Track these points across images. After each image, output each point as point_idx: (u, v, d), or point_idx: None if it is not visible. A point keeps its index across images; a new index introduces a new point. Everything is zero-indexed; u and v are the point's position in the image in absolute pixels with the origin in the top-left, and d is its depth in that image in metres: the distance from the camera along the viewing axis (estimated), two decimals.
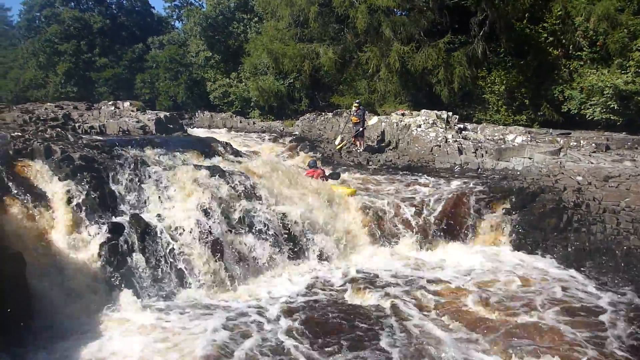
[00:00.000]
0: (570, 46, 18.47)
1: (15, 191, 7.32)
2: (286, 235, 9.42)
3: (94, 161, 8.67)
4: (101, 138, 12.53)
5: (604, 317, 7.15)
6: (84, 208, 7.73)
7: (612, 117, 16.19)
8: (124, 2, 55.58)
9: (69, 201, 7.65)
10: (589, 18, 16.57)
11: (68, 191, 7.75)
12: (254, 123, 29.81)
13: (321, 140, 20.59)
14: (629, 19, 15.94)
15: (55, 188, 7.77)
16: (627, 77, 15.36)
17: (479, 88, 20.32)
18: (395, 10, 21.34)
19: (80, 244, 7.35)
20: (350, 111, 18.25)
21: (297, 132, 24.17)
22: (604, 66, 16.99)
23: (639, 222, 9.24)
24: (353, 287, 8.24)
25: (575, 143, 14.65)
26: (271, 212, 9.54)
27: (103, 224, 7.71)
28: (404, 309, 7.36)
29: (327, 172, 13.21)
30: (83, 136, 12.02)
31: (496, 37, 19.92)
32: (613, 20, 16.04)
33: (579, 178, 10.64)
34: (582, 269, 9.04)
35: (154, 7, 64.54)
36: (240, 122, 30.78)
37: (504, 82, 19.25)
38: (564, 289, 8.17)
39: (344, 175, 13.70)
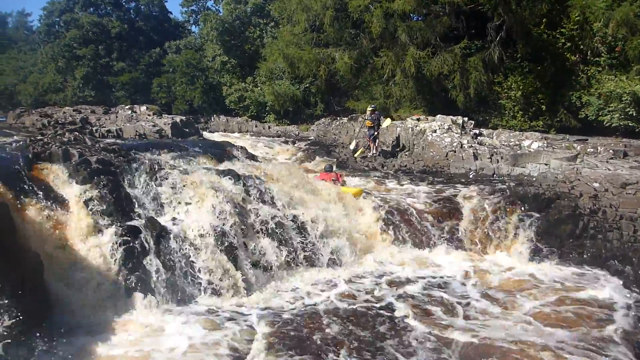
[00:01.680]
0: (588, 52, 18.34)
1: (34, 194, 7.42)
2: (301, 240, 9.43)
3: (111, 165, 8.76)
4: (118, 142, 12.68)
5: None
6: (100, 211, 7.82)
7: (630, 124, 16.03)
8: (142, 7, 56.17)
9: (86, 204, 7.75)
10: (608, 24, 16.42)
11: (85, 194, 7.85)
12: (269, 127, 29.95)
13: (336, 145, 20.63)
14: None
15: (73, 191, 7.88)
16: None
17: (495, 93, 20.23)
18: (411, 15, 21.34)
19: (96, 247, 7.42)
20: (365, 115, 18.27)
21: (312, 137, 24.24)
22: (623, 72, 16.83)
23: None
24: (370, 293, 8.24)
25: (592, 149, 14.50)
26: (286, 216, 9.57)
27: (119, 227, 7.77)
28: (419, 319, 7.35)
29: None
30: (100, 140, 12.16)
31: (513, 42, 19.83)
32: (632, 26, 15.89)
33: (596, 185, 10.53)
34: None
35: (171, 12, 64.91)
36: (256, 126, 30.95)
37: (521, 87, 19.13)
38: None
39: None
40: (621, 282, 8.61)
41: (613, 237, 9.53)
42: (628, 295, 8.11)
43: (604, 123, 16.84)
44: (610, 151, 14.03)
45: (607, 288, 8.35)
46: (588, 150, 14.50)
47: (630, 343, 6.55)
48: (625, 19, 15.84)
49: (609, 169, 12.01)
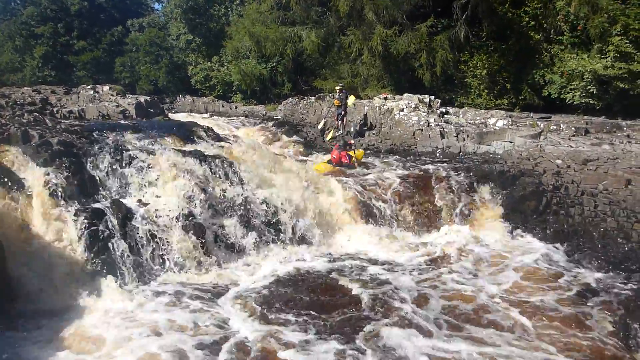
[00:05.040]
0: (552, 30, 18.58)
1: None
2: (268, 219, 9.41)
3: (73, 146, 8.56)
4: (80, 123, 12.33)
5: None
6: (63, 194, 7.64)
7: (591, 102, 16.39)
8: None
9: (47, 187, 7.56)
10: (570, 2, 16.64)
11: (47, 177, 7.66)
12: (236, 107, 29.59)
13: (304, 125, 20.52)
14: (608, 3, 16.03)
15: (34, 174, 7.68)
16: (606, 62, 15.52)
17: (461, 72, 20.38)
18: None
19: (59, 230, 7.27)
20: (334, 95, 18.21)
21: (279, 117, 24.04)
22: (584, 51, 17.13)
23: (616, 204, 9.40)
24: (333, 271, 8.31)
25: (555, 127, 14.79)
26: (253, 196, 9.52)
27: (83, 209, 7.62)
28: (384, 295, 7.46)
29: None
30: (61, 121, 11.84)
31: (478, 21, 19.91)
32: (594, 5, 16.12)
33: (559, 161, 10.77)
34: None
35: None
36: (223, 106, 30.53)
37: (486, 66, 19.32)
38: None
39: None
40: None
41: (575, 213, 9.80)
42: None
43: (566, 101, 17.17)
44: (572, 128, 14.33)
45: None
46: (551, 127, 14.79)
47: None
48: None
49: (571, 146, 12.30)
